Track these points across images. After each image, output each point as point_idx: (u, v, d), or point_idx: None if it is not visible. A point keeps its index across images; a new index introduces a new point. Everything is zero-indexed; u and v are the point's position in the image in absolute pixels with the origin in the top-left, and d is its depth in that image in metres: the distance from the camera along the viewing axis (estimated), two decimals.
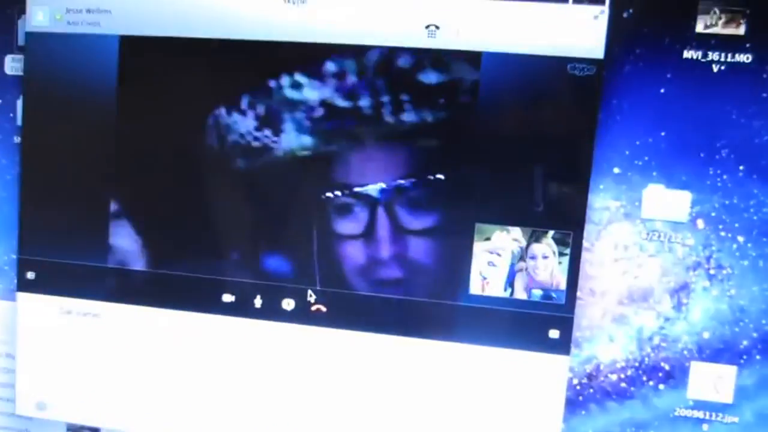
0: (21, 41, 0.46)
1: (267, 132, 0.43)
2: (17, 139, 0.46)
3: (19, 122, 0.46)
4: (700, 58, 0.39)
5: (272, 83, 0.42)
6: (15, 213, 0.47)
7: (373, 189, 0.41)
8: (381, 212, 0.41)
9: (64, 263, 0.46)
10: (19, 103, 0.46)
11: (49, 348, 0.47)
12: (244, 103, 0.43)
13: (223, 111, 0.43)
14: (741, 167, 0.39)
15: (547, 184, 0.40)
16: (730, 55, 0.38)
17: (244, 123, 0.43)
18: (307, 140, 0.42)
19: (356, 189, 0.41)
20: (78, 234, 0.46)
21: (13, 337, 0.48)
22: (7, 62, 0.46)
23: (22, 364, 0.48)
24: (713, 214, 0.39)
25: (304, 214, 0.42)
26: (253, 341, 0.44)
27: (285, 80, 0.42)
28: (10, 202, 0.47)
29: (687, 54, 0.39)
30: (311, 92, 0.42)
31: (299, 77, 0.42)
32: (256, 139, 0.43)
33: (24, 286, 0.47)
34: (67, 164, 0.46)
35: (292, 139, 0.42)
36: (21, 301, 0.47)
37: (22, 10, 0.46)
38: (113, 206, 0.45)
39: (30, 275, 0.47)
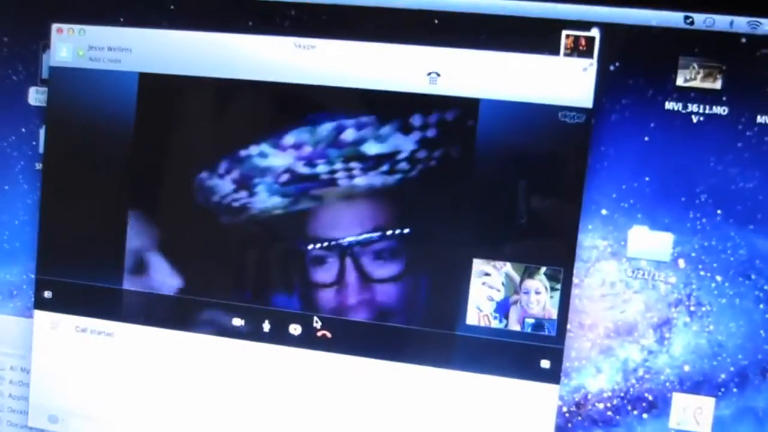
0: (45, 74, 0.49)
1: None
2: (38, 166, 0.49)
3: (41, 150, 0.49)
4: (680, 109, 0.42)
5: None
6: (34, 235, 0.49)
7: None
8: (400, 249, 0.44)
9: (80, 284, 0.49)
10: (42, 132, 0.49)
11: (62, 364, 0.49)
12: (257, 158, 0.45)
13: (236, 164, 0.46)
14: (719, 211, 0.41)
15: (539, 223, 0.43)
16: (707, 107, 0.41)
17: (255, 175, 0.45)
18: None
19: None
20: (94, 256, 0.48)
21: (28, 353, 0.50)
22: (31, 93, 0.49)
23: (36, 379, 0.50)
24: (693, 255, 0.42)
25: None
26: (260, 364, 0.47)
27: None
28: (31, 225, 0.49)
29: (669, 105, 0.42)
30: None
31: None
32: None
33: (41, 304, 0.49)
34: (85, 191, 0.48)
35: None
36: (37, 319, 0.50)
37: (47, 45, 0.48)
38: (128, 233, 0.48)
39: (47, 294, 0.49)
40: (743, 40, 0.41)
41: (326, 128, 0.44)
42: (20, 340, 0.50)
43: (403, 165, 0.44)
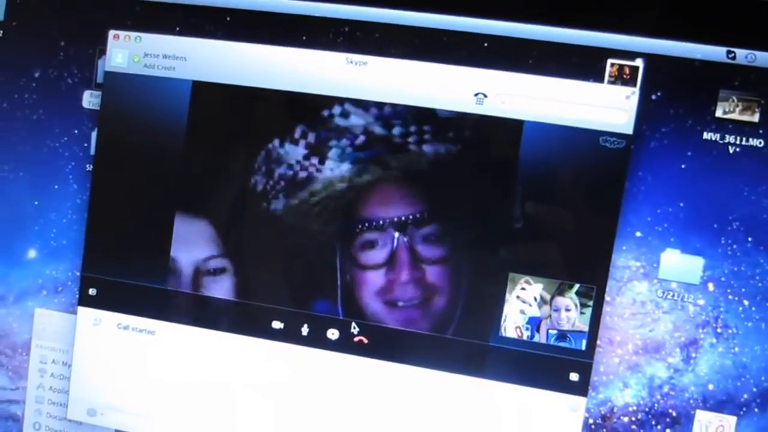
0: (99, 79, 0.50)
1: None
2: (89, 167, 0.50)
3: (92, 152, 0.50)
4: (718, 139, 0.43)
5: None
6: (81, 234, 0.51)
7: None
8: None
9: (124, 282, 0.50)
10: (94, 134, 0.50)
11: (103, 359, 0.51)
12: (298, 134, 0.47)
13: (277, 143, 0.47)
14: (750, 239, 0.43)
15: (576, 242, 0.45)
16: (744, 139, 0.43)
17: (295, 152, 0.47)
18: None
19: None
20: (139, 257, 0.50)
21: (70, 347, 0.51)
22: (85, 97, 0.51)
23: (76, 373, 0.52)
24: (723, 279, 0.44)
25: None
26: (297, 366, 0.48)
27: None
28: (79, 224, 0.51)
29: (707, 135, 0.44)
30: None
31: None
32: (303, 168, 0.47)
33: (85, 301, 0.51)
34: (133, 193, 0.50)
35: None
36: (81, 315, 0.51)
37: (103, 51, 0.50)
38: (174, 235, 0.49)
39: (92, 291, 0.51)
40: None
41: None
42: (63, 335, 0.52)
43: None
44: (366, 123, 0.46)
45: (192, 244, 0.49)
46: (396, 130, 0.46)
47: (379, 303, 0.47)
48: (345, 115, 0.46)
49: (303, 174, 0.47)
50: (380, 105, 0.46)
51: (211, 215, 0.49)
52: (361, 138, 0.46)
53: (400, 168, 0.46)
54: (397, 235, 0.46)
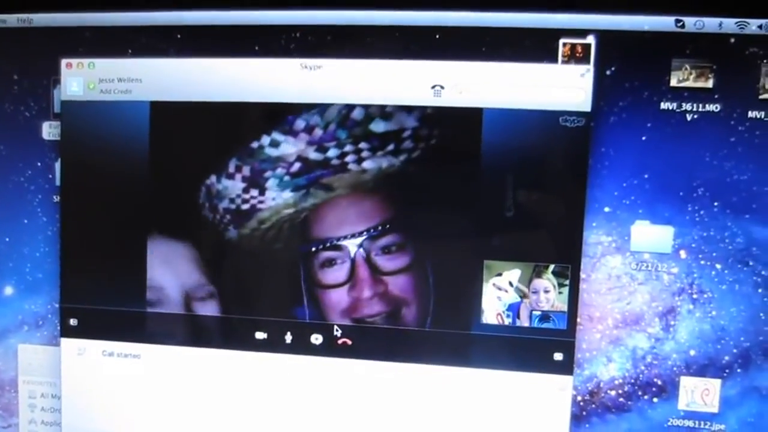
0: (57, 109, 0.50)
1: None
2: (56, 198, 0.50)
3: (57, 183, 0.50)
4: (675, 108, 0.44)
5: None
6: (56, 266, 0.50)
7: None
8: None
9: (104, 309, 0.50)
10: (57, 165, 0.50)
11: (92, 387, 0.51)
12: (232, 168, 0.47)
13: (213, 179, 0.47)
14: (716, 203, 0.44)
15: (546, 222, 0.45)
16: (701, 106, 0.44)
17: (233, 187, 0.47)
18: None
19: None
20: (116, 283, 0.50)
21: (57, 379, 0.51)
22: (44, 128, 0.50)
23: (67, 403, 0.52)
24: (693, 246, 0.44)
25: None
26: (284, 374, 0.49)
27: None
28: (52, 256, 0.51)
29: (664, 105, 0.44)
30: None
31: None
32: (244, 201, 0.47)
33: (67, 332, 0.51)
34: (104, 220, 0.50)
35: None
36: (65, 346, 0.51)
37: (58, 81, 0.49)
38: (148, 257, 0.49)
39: (73, 322, 0.51)
40: (732, 40, 0.43)
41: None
42: (49, 367, 0.52)
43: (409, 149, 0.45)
44: (298, 150, 0.46)
45: (168, 268, 0.49)
46: (331, 153, 0.46)
47: (348, 321, 0.47)
48: (275, 144, 0.46)
49: (246, 206, 0.47)
50: (309, 129, 0.46)
51: (184, 238, 0.49)
52: (297, 165, 0.46)
53: (345, 187, 0.46)
54: (354, 251, 0.46)
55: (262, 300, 0.48)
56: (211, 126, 0.48)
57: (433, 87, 0.46)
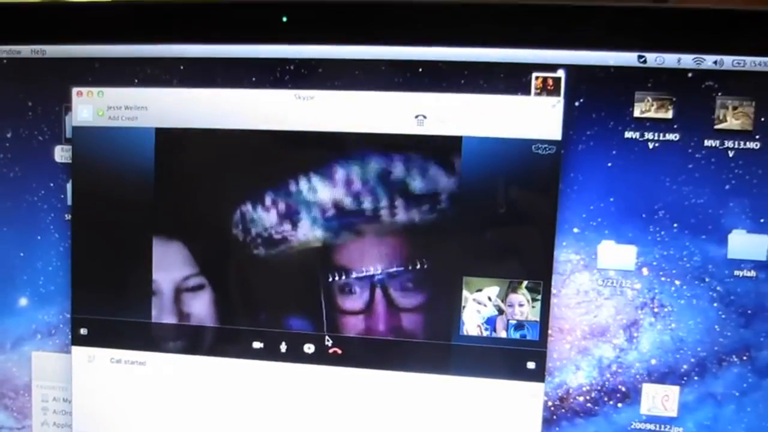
0: (68, 134, 0.54)
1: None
2: (67, 217, 0.54)
3: (69, 202, 0.54)
4: (638, 137, 0.48)
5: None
6: (67, 279, 0.54)
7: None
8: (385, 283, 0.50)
9: (112, 320, 0.54)
10: (69, 186, 0.54)
11: (101, 392, 0.55)
12: (268, 200, 0.51)
13: (249, 207, 0.51)
14: (675, 225, 0.48)
15: (520, 242, 0.49)
16: (661, 134, 0.47)
17: (267, 218, 0.51)
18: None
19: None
20: (123, 296, 0.54)
21: (68, 384, 0.55)
22: (56, 152, 0.54)
23: (77, 407, 0.55)
24: (655, 263, 0.48)
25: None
26: (279, 381, 0.52)
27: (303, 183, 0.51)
28: (64, 270, 0.55)
29: (628, 134, 0.48)
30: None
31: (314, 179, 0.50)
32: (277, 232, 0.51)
33: (77, 340, 0.55)
34: (111, 237, 0.54)
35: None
36: (75, 354, 0.55)
37: (69, 108, 0.53)
38: (153, 273, 0.53)
39: (83, 331, 0.55)
40: (690, 74, 0.47)
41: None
42: (61, 373, 0.56)
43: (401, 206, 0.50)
44: (334, 198, 0.50)
45: (171, 268, 0.53)
46: (367, 204, 0.49)
47: (361, 338, 0.51)
48: (313, 189, 0.50)
49: (278, 236, 0.51)
50: (349, 182, 0.50)
51: (188, 243, 0.53)
52: (332, 211, 0.50)
53: (374, 232, 0.50)
54: (373, 284, 0.50)
55: (269, 310, 0.52)
56: (213, 150, 0.52)
57: (417, 116, 0.49)
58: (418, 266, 0.50)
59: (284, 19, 0.50)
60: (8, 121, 0.54)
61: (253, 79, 0.51)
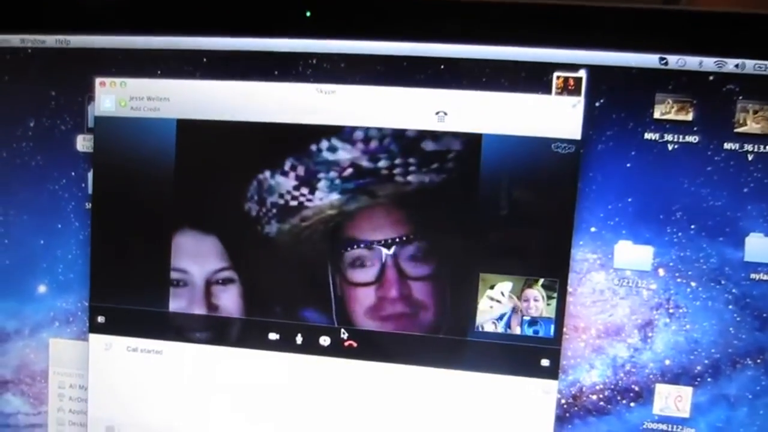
0: (90, 124, 0.54)
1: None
2: (88, 206, 0.55)
3: (89, 191, 0.55)
4: (657, 139, 0.48)
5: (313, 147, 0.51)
6: (86, 268, 0.55)
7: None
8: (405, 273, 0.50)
9: (129, 309, 0.55)
10: (89, 175, 0.55)
11: (117, 380, 0.56)
12: (287, 166, 0.51)
13: (267, 174, 0.51)
14: (692, 226, 0.48)
15: (537, 240, 0.49)
16: (681, 137, 0.48)
17: (285, 183, 0.51)
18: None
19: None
20: (140, 284, 0.54)
21: (85, 371, 0.56)
22: (78, 141, 0.55)
23: (93, 394, 0.56)
24: (671, 264, 0.48)
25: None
26: (295, 373, 0.53)
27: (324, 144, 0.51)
28: (83, 258, 0.55)
29: (647, 135, 0.48)
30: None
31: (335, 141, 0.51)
32: (293, 198, 0.52)
33: (95, 328, 0.55)
34: (130, 227, 0.54)
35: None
36: (92, 341, 0.56)
37: (92, 98, 0.54)
38: (171, 261, 0.54)
39: (100, 319, 0.55)
40: (711, 77, 0.47)
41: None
42: (78, 360, 0.56)
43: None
44: (353, 157, 0.50)
45: (194, 260, 0.53)
46: (382, 163, 0.50)
47: (371, 315, 0.51)
48: (332, 149, 0.51)
49: (294, 203, 0.51)
50: (367, 139, 0.50)
51: (212, 233, 0.53)
52: (349, 170, 0.50)
53: (387, 196, 0.50)
54: (384, 254, 0.50)
55: (287, 294, 0.53)
56: (235, 144, 0.52)
57: (437, 113, 0.50)
58: (431, 254, 0.50)
59: (308, 13, 0.51)
60: (31, 110, 0.55)
61: (276, 72, 0.52)
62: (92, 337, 0.56)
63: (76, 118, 0.54)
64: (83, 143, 0.55)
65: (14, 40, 0.55)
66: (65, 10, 0.54)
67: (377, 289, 0.51)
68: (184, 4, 0.52)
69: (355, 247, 0.51)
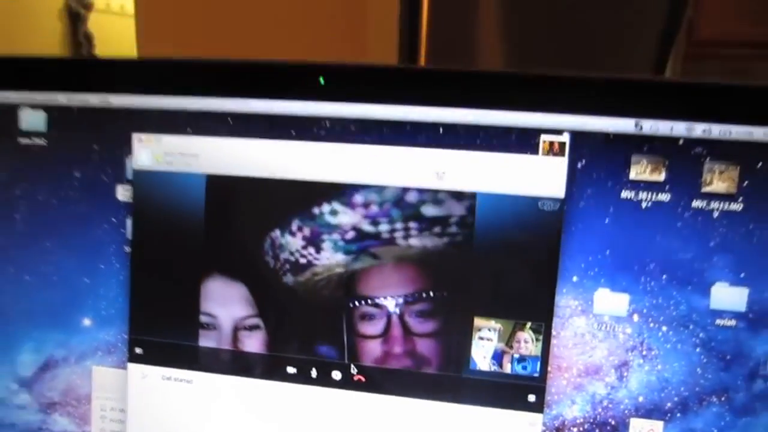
0: (129, 176, 0.61)
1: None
2: (127, 249, 0.62)
3: (128, 236, 0.62)
4: (633, 197, 0.53)
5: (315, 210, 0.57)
6: (126, 304, 0.62)
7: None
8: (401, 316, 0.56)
9: (164, 342, 0.61)
10: (129, 222, 0.61)
11: (153, 405, 0.62)
12: (294, 227, 0.58)
13: (278, 233, 0.58)
14: (664, 276, 0.53)
15: (525, 288, 0.55)
16: (654, 195, 0.53)
17: (294, 243, 0.58)
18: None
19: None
20: (173, 320, 0.61)
21: (124, 396, 0.63)
22: (118, 191, 0.62)
23: (131, 417, 0.63)
24: (645, 311, 0.54)
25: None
26: (309, 403, 0.59)
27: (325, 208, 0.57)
28: (123, 296, 0.62)
29: (624, 194, 0.53)
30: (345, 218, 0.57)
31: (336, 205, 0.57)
32: (302, 256, 0.58)
33: (133, 358, 0.62)
34: (165, 269, 0.61)
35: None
36: (131, 370, 0.63)
37: (130, 152, 0.61)
38: (201, 300, 0.60)
39: (138, 350, 0.62)
40: (681, 141, 0.52)
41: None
42: (118, 387, 0.63)
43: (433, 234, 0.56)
44: (354, 221, 0.57)
45: (222, 306, 0.60)
46: (383, 227, 0.56)
47: (377, 360, 0.58)
48: (333, 213, 0.57)
49: (303, 260, 0.57)
50: (366, 204, 0.56)
51: (237, 280, 0.60)
52: (351, 233, 0.57)
53: (391, 257, 0.56)
54: (389, 310, 0.57)
55: (305, 333, 0.59)
56: (273, 191, 0.58)
57: (437, 172, 0.56)
58: (433, 307, 0.56)
59: (321, 80, 0.57)
60: (77, 162, 0.62)
61: (293, 132, 0.58)
62: (131, 366, 0.62)
63: (116, 169, 0.61)
64: (123, 192, 0.61)
65: (62, 98, 0.62)
66: (107, 75, 0.61)
67: (383, 342, 0.57)
68: (212, 72, 0.59)
69: (362, 302, 0.57)
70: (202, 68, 0.60)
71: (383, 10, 0.99)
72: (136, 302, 0.62)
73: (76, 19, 2.71)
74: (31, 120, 0.63)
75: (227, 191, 0.59)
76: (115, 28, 2.73)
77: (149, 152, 0.61)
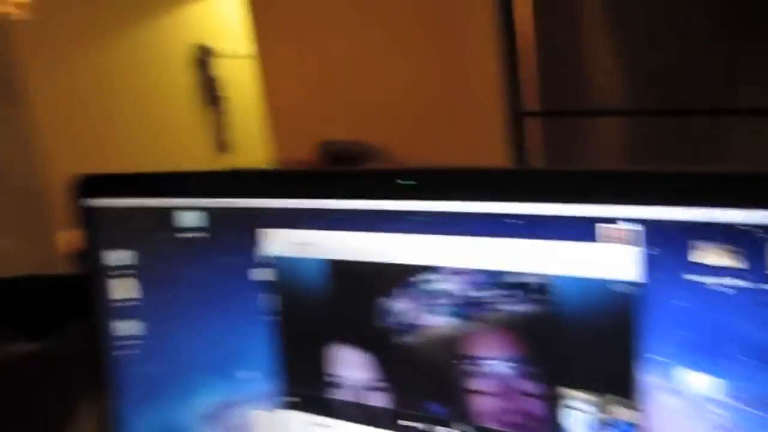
0: (257, 260, 0.72)
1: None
2: (269, 318, 0.73)
3: (269, 308, 0.73)
4: (711, 283, 0.54)
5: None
6: (273, 363, 0.74)
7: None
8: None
9: (307, 394, 0.73)
10: (266, 297, 0.72)
11: None
12: (399, 297, 0.65)
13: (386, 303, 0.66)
14: (749, 359, 0.54)
15: (611, 365, 0.59)
16: (730, 281, 0.53)
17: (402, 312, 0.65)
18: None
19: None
20: (309, 381, 0.72)
21: None
22: (252, 273, 0.73)
23: None
24: (736, 393, 0.55)
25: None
26: None
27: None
28: (270, 356, 0.74)
29: (694, 278, 0.54)
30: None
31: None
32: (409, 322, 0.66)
33: (287, 406, 0.75)
34: (303, 336, 0.72)
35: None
36: (282, 415, 0.75)
37: (257, 242, 0.71)
38: (333, 360, 0.70)
39: (291, 399, 0.75)
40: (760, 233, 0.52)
41: None
42: (271, 429, 0.76)
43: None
44: (458, 289, 0.63)
45: (348, 371, 0.70)
46: (486, 294, 0.62)
47: (480, 417, 0.65)
48: (436, 282, 0.64)
49: (411, 326, 0.66)
50: (468, 273, 0.62)
51: (360, 347, 0.69)
52: (456, 300, 0.63)
53: (493, 322, 0.62)
54: (493, 370, 0.63)
55: (419, 390, 0.67)
56: (367, 277, 0.67)
57: (516, 257, 0.60)
58: (535, 380, 0.62)
59: (399, 182, 0.63)
60: (223, 251, 0.74)
61: (386, 226, 0.65)
62: (281, 412, 0.75)
63: (247, 256, 0.72)
64: (257, 275, 0.72)
65: (199, 202, 0.74)
66: (231, 184, 0.72)
67: (486, 398, 0.64)
68: (316, 180, 0.67)
69: (467, 361, 0.64)
70: (308, 178, 0.70)
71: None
72: (281, 362, 0.74)
73: (202, 65, 3.40)
74: (185, 219, 0.76)
75: (343, 273, 0.69)
76: (235, 68, 3.35)
77: (273, 242, 0.70)
